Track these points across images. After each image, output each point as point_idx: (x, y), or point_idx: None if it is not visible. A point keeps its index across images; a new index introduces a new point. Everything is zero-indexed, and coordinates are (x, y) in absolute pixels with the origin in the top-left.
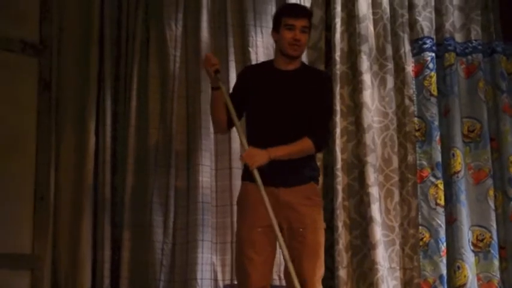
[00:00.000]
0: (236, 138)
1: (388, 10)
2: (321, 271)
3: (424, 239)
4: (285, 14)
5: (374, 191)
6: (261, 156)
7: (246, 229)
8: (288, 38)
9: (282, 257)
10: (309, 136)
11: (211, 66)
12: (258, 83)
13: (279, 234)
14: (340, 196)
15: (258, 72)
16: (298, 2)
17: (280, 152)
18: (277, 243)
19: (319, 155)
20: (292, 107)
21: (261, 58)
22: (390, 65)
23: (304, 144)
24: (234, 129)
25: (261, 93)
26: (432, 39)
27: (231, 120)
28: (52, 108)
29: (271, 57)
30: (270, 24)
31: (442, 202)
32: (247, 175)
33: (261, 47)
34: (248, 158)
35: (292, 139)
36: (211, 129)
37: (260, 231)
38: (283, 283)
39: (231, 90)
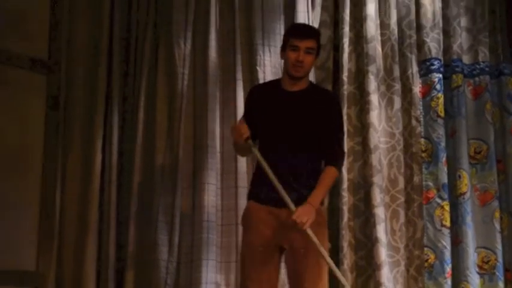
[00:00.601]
0: (242, 157)
1: (396, 31)
2: None
3: (429, 261)
4: (291, 35)
5: (380, 211)
6: (310, 213)
7: (248, 248)
8: (292, 58)
9: (285, 277)
10: (330, 163)
11: (240, 137)
12: (264, 103)
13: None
14: (345, 216)
15: (264, 92)
16: (306, 22)
17: (320, 196)
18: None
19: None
20: (299, 128)
21: (269, 77)
22: (397, 86)
23: (332, 176)
24: None
25: (268, 114)
26: (440, 60)
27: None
28: (60, 126)
29: (279, 75)
30: (278, 43)
31: (448, 223)
32: (252, 195)
33: (269, 66)
34: (301, 218)
35: (300, 160)
36: (218, 148)
37: (261, 251)
38: None
39: (239, 110)
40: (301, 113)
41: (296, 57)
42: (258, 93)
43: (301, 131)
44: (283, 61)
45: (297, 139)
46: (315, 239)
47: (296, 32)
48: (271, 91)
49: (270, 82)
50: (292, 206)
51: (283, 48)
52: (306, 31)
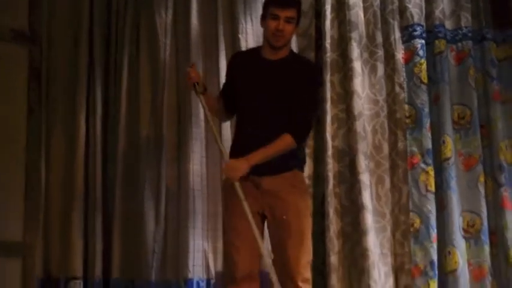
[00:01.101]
0: (226, 125)
1: None
2: (306, 258)
3: (415, 225)
4: (271, 3)
5: (365, 177)
6: (241, 168)
7: (230, 216)
8: (272, 27)
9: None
10: (288, 131)
11: (189, 79)
12: (244, 71)
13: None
14: (331, 183)
15: (245, 60)
16: None
17: (259, 156)
18: (263, 231)
19: (310, 142)
20: (275, 97)
21: (251, 45)
22: (380, 52)
23: (283, 142)
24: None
25: (246, 82)
26: (422, 26)
27: (229, 109)
28: (42, 98)
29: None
30: (259, 12)
31: (433, 188)
32: None
33: (251, 35)
34: (229, 171)
35: (275, 130)
36: (202, 117)
37: (243, 219)
38: None
39: (222, 79)
40: (278, 82)
41: (276, 26)
42: (238, 61)
43: (277, 100)
44: (263, 30)
45: (273, 109)
46: (241, 194)
47: (276, 0)
48: (251, 59)
49: (251, 50)
50: (226, 157)
51: (264, 17)
52: (286, 0)
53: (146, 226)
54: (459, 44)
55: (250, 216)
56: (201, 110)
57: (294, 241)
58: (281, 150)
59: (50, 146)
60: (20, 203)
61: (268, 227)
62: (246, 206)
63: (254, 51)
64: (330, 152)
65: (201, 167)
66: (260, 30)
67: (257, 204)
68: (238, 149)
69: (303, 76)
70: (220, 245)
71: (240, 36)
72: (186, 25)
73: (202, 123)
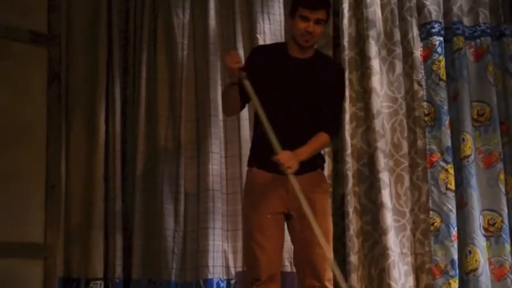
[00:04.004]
0: (245, 125)
1: None
2: (331, 257)
3: (435, 224)
4: (302, 4)
5: (384, 176)
6: (295, 160)
7: (256, 216)
8: (301, 28)
9: (291, 243)
10: (324, 130)
11: (236, 64)
12: (270, 67)
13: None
14: (350, 182)
15: (271, 55)
16: None
17: (306, 153)
18: (285, 230)
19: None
20: (305, 96)
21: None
22: (398, 50)
23: (323, 141)
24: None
25: (273, 78)
26: (440, 23)
27: (242, 104)
28: (62, 98)
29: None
30: (277, 11)
31: (453, 187)
32: (254, 162)
33: (269, 34)
34: (286, 161)
35: (301, 127)
36: (221, 117)
37: (270, 218)
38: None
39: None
40: (309, 82)
41: (305, 28)
42: (262, 55)
43: (307, 99)
44: (290, 28)
45: (303, 108)
46: (298, 188)
47: (308, 2)
48: (278, 55)
49: (275, 45)
50: (279, 148)
51: (292, 15)
52: (317, 2)
53: (166, 227)
54: (477, 41)
55: (307, 207)
56: (220, 110)
57: (322, 241)
58: (320, 148)
59: (70, 146)
60: (41, 205)
61: (293, 227)
62: (302, 198)
63: (279, 47)
64: (349, 150)
65: (220, 167)
66: (277, 29)
67: (283, 204)
68: (267, 147)
69: (331, 75)
70: (240, 244)
71: (257, 35)
72: (203, 25)
73: (221, 123)
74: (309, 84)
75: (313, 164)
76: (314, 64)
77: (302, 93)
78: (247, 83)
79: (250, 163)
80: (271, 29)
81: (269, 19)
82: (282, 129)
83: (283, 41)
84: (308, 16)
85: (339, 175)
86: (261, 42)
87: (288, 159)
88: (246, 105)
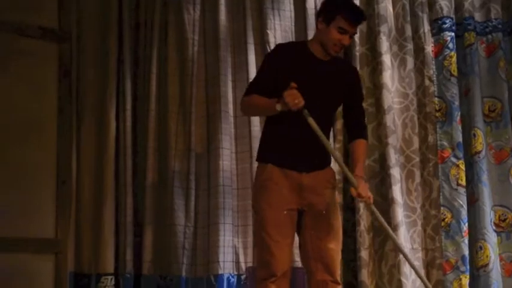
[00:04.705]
0: (255, 121)
1: None
2: (340, 252)
3: (446, 220)
4: (344, 15)
5: (395, 172)
6: (368, 188)
7: (271, 211)
8: (335, 38)
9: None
10: (362, 137)
11: (297, 104)
12: (294, 65)
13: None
14: None
15: (293, 54)
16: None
17: (363, 168)
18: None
19: (339, 137)
20: (328, 97)
21: (279, 40)
22: (410, 46)
23: (365, 147)
24: None
25: (298, 77)
26: (452, 18)
27: None
28: (72, 94)
29: (289, 39)
30: (287, 7)
31: (464, 182)
32: (270, 158)
33: (279, 30)
34: (366, 193)
35: (322, 128)
36: (231, 113)
37: (286, 214)
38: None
39: (251, 74)
40: (333, 82)
41: (341, 40)
42: (287, 53)
43: (329, 100)
44: (319, 30)
45: (324, 108)
46: (379, 216)
47: (351, 16)
48: (301, 54)
49: (298, 44)
50: (354, 180)
51: (327, 21)
52: (359, 18)
53: (176, 222)
54: (489, 36)
55: (381, 218)
56: (230, 106)
57: (333, 236)
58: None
59: (81, 142)
60: (52, 200)
61: (305, 223)
62: (375, 210)
63: (301, 47)
64: None
65: (230, 163)
66: (288, 25)
67: (298, 201)
68: (283, 144)
69: (353, 77)
70: (250, 240)
71: (268, 31)
72: (214, 21)
73: (232, 119)
74: (332, 84)
75: (323, 161)
76: (335, 66)
77: (325, 93)
78: (311, 121)
79: (265, 159)
80: (281, 24)
81: (279, 15)
82: (302, 128)
83: (293, 36)
84: (347, 29)
85: (349, 171)
86: (271, 38)
87: (366, 190)
88: None
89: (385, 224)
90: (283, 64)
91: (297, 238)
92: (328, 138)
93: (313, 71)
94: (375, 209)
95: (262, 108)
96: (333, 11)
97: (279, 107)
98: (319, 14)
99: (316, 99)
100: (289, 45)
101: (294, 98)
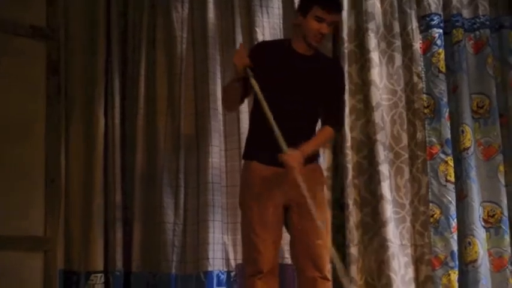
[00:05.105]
0: (244, 118)
1: None
2: (328, 249)
3: (435, 216)
4: (319, 4)
5: (384, 168)
6: (300, 160)
7: (257, 209)
8: (314, 29)
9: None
10: (328, 123)
11: (242, 61)
12: (273, 62)
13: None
14: (350, 174)
15: (275, 51)
16: None
17: (311, 148)
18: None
19: None
20: (310, 92)
21: (268, 38)
22: (398, 43)
23: (328, 135)
24: (241, 110)
25: (277, 73)
26: (439, 15)
27: (242, 96)
28: (61, 92)
29: (277, 37)
30: (275, 4)
31: (452, 179)
32: (255, 155)
33: (268, 28)
34: (293, 161)
35: (303, 123)
36: (220, 110)
37: (272, 211)
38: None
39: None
40: (315, 77)
41: (319, 29)
42: (266, 51)
43: (312, 95)
44: (298, 25)
45: (305, 102)
46: (303, 186)
47: (326, 4)
48: (281, 51)
49: (278, 41)
50: (285, 146)
51: (304, 13)
52: (335, 5)
53: (166, 219)
54: (477, 33)
55: (310, 200)
56: (219, 103)
57: (320, 232)
58: (326, 142)
59: (69, 140)
60: (41, 198)
61: (291, 219)
62: (305, 190)
63: (282, 44)
64: (348, 143)
65: (219, 160)
66: (276, 23)
67: (284, 197)
68: (266, 140)
69: (335, 71)
70: (239, 237)
71: (256, 29)
72: (202, 19)
73: (221, 116)
74: (314, 80)
75: (312, 156)
76: (318, 61)
77: (307, 88)
78: (253, 82)
79: (250, 156)
80: (270, 22)
81: (268, 13)
82: (284, 124)
83: (281, 34)
84: (324, 18)
85: (338, 167)
86: (259, 35)
87: (294, 159)
88: (246, 99)
89: (306, 192)
90: (261, 62)
91: (286, 234)
92: (314, 133)
93: (294, 67)
94: (300, 178)
95: (227, 88)
96: (308, 2)
97: (233, 75)
98: (297, 10)
99: (296, 94)
100: (268, 43)
101: (240, 57)
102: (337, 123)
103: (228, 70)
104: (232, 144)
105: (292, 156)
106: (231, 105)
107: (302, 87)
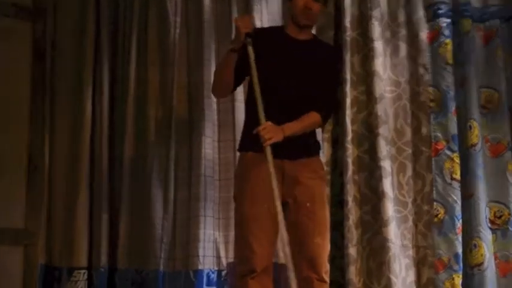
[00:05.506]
0: (240, 108)
1: None
2: (328, 248)
3: (439, 216)
4: None
5: (386, 164)
6: (277, 133)
7: (250, 204)
8: (300, 5)
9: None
10: (317, 110)
11: (246, 28)
12: (267, 48)
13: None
14: (350, 169)
15: (267, 36)
16: None
17: (294, 129)
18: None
19: (328, 127)
20: (304, 78)
21: (266, 25)
22: (403, 32)
23: (313, 120)
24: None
25: (271, 59)
26: (447, 4)
27: (235, 84)
28: (46, 76)
29: (276, 23)
30: None
31: (458, 177)
32: (250, 145)
33: (266, 14)
34: (265, 132)
35: (297, 110)
36: (214, 99)
37: (266, 207)
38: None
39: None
40: (305, 61)
41: (305, 4)
42: (259, 37)
43: (305, 81)
44: (288, 9)
45: (298, 87)
46: (270, 157)
47: None
48: (274, 36)
49: (272, 28)
50: (263, 119)
51: None
52: None
53: (154, 214)
54: (486, 23)
55: (274, 181)
56: None
57: (319, 229)
58: (310, 127)
59: (54, 126)
60: (23, 189)
61: (288, 216)
62: (272, 169)
63: (275, 30)
64: (349, 137)
65: (213, 152)
66: (275, 9)
67: (280, 191)
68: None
69: (329, 58)
70: (232, 234)
71: (254, 15)
72: (197, 3)
73: (215, 105)
74: (308, 65)
75: (309, 149)
76: (313, 45)
77: (301, 73)
78: (250, 50)
79: (245, 147)
80: (268, 8)
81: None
82: (278, 111)
83: (281, 21)
84: None
85: (338, 162)
86: (257, 22)
87: (269, 130)
88: (241, 90)
89: (274, 180)
90: (257, 48)
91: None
92: None
93: (290, 52)
94: (269, 153)
95: (220, 63)
96: None
97: (231, 43)
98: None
99: (293, 80)
100: (261, 30)
101: (243, 21)
102: (325, 111)
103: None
104: (227, 135)
105: (269, 128)
106: (220, 86)
107: (296, 73)
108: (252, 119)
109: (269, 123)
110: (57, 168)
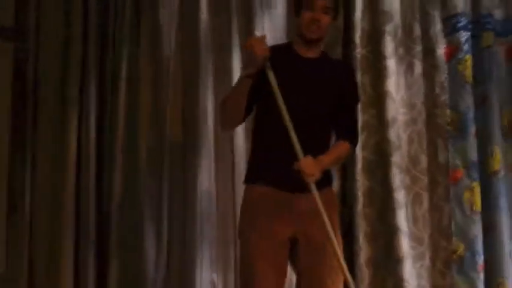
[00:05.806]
0: (239, 133)
1: None
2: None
3: (458, 252)
4: None
5: (400, 195)
6: (319, 169)
7: (259, 240)
8: (307, 18)
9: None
10: (344, 138)
11: (262, 52)
12: (278, 67)
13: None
14: (360, 202)
15: (277, 56)
16: None
17: (329, 161)
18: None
19: None
20: (315, 99)
21: (269, 41)
22: (418, 48)
23: (345, 149)
24: None
25: (282, 78)
26: (467, 16)
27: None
28: (28, 101)
29: (279, 41)
30: (278, 5)
31: (479, 208)
32: (257, 177)
33: (269, 30)
34: (308, 168)
35: (306, 130)
36: (210, 124)
37: (276, 243)
38: None
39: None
40: (320, 82)
41: (311, 16)
42: (270, 57)
43: (320, 101)
44: (296, 26)
45: (315, 110)
46: (318, 197)
47: None
48: (283, 54)
49: (279, 45)
50: (301, 154)
51: (297, 10)
52: None
53: (146, 254)
54: (510, 37)
55: (329, 226)
56: (210, 116)
57: (331, 269)
58: (343, 158)
59: (36, 159)
60: (2, 228)
61: (297, 254)
62: (322, 209)
63: (284, 47)
64: (359, 165)
65: (209, 186)
66: (279, 25)
67: (289, 228)
68: (271, 160)
69: (344, 75)
70: (231, 276)
71: (256, 32)
72: (194, 17)
73: (212, 133)
74: (320, 85)
75: (323, 180)
76: (324, 63)
77: (314, 93)
78: (271, 75)
79: (252, 179)
80: (271, 24)
81: (270, 13)
82: (286, 131)
83: (286, 37)
84: (314, 3)
85: (347, 194)
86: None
87: (310, 165)
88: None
89: (323, 212)
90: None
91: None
92: (328, 146)
93: (299, 71)
94: (316, 192)
95: (234, 92)
96: (298, 0)
97: (244, 69)
98: (294, 15)
99: (304, 100)
100: (272, 48)
101: (260, 45)
102: (354, 138)
103: (222, 76)
104: (225, 165)
105: (310, 163)
106: (236, 116)
107: (309, 92)
108: (260, 148)
109: (309, 157)
110: (40, 206)
